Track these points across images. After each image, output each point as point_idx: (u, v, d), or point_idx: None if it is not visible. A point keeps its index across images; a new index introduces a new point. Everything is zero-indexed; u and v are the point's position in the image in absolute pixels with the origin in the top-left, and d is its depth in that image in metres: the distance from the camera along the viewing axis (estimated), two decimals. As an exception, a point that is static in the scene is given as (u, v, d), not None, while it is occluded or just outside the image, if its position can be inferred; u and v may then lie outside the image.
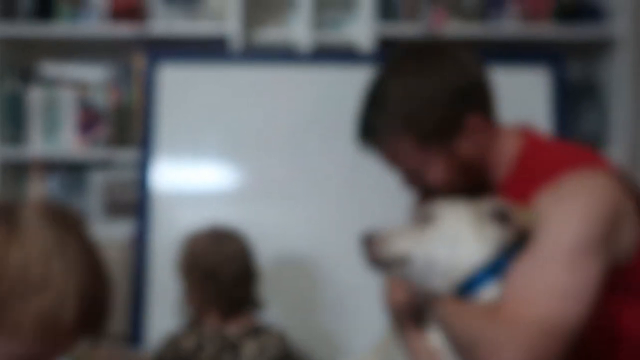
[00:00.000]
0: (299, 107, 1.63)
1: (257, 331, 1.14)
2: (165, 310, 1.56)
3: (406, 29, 1.69)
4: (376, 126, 0.85)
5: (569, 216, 0.74)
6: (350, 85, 1.63)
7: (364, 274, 1.52)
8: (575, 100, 1.72)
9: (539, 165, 0.83)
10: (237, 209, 1.59)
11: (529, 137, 0.89)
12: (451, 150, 0.85)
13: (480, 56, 1.60)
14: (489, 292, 0.76)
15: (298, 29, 1.73)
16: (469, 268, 0.76)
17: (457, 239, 0.77)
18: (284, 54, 1.71)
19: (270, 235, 1.48)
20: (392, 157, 0.87)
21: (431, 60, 0.86)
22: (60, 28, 1.74)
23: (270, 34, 1.77)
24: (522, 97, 1.63)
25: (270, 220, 1.57)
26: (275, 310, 1.35)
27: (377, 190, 1.58)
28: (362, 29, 1.70)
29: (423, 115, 0.83)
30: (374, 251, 0.79)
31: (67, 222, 0.61)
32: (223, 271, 1.12)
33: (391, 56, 0.92)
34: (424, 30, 1.68)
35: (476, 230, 0.77)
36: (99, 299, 0.61)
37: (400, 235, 0.80)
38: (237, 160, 1.64)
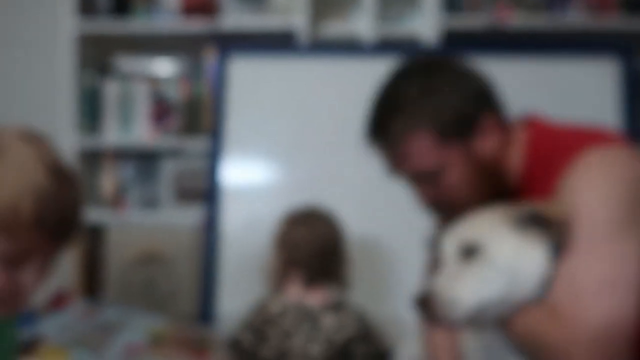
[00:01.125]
0: (366, 99, 1.66)
1: (337, 306, 1.18)
2: (233, 293, 1.63)
3: (471, 22, 1.71)
4: (391, 125, 0.82)
5: (598, 198, 0.72)
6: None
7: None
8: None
9: (553, 152, 0.81)
10: (302, 200, 1.63)
11: (535, 127, 0.87)
12: (468, 150, 0.82)
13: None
14: None
15: (363, 23, 1.77)
16: (535, 285, 0.74)
17: (516, 265, 0.74)
18: (350, 47, 1.75)
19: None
20: (407, 157, 0.83)
21: (440, 66, 0.86)
22: (135, 24, 1.84)
23: (336, 28, 1.81)
24: (589, 90, 1.63)
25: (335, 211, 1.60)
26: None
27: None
28: (426, 21, 1.72)
29: (441, 110, 0.81)
30: (442, 314, 0.74)
31: (31, 138, 0.69)
32: (307, 246, 1.18)
33: (396, 69, 0.90)
34: (488, 23, 1.69)
35: (525, 247, 0.75)
36: (60, 203, 0.67)
37: (458, 283, 0.74)
38: (303, 152, 1.68)
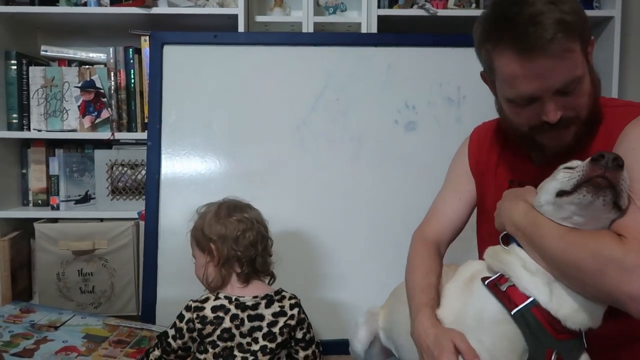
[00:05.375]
0: (303, 87, 1.65)
1: (275, 295, 1.18)
2: (171, 283, 1.58)
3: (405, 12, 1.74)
4: (556, 39, 0.83)
5: None
6: (353, 65, 1.66)
7: (363, 251, 1.60)
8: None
9: (617, 107, 0.94)
10: (241, 189, 1.60)
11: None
12: (589, 59, 0.90)
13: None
14: None
15: (302, 12, 1.77)
16: None
17: None
18: (289, 36, 1.73)
19: (275, 217, 1.34)
20: (567, 67, 0.85)
21: None
22: (64, 10, 1.73)
23: (275, 16, 1.79)
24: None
25: (274, 201, 1.57)
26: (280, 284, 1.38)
27: (379, 170, 1.63)
28: (363, 12, 1.74)
29: (584, 24, 0.87)
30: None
31: None
32: (241, 238, 1.16)
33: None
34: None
35: None
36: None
37: None
38: (243, 141, 1.64)
